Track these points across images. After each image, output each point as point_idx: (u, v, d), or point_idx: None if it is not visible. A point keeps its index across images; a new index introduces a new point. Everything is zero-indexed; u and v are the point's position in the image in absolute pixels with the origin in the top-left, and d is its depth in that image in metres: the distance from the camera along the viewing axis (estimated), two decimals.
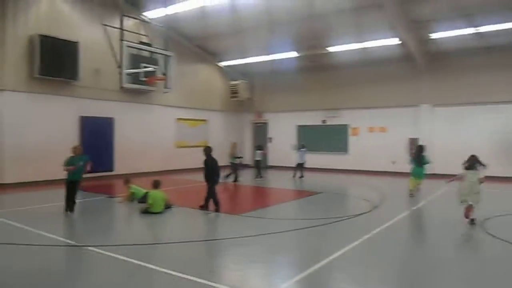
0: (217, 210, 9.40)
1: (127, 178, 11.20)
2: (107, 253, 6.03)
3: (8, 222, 8.07)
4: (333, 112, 20.28)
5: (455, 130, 17.11)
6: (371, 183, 15.11)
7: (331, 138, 20.10)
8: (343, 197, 12.62)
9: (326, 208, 10.78)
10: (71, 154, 9.35)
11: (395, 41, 15.98)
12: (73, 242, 6.72)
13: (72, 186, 9.17)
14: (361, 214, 9.32)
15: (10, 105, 13.26)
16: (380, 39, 16.11)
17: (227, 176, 15.64)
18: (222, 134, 21.98)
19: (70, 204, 9.14)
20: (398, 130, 18.44)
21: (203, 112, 20.93)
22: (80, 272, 5.45)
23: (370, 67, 18.84)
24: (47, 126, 14.13)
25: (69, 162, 9.11)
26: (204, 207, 9.59)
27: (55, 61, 13.93)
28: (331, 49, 17.65)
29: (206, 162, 9.56)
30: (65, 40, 14.24)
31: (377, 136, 19.01)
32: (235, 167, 15.97)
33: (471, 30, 14.62)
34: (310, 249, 6.72)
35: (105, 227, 8.53)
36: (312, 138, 20.44)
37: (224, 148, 21.57)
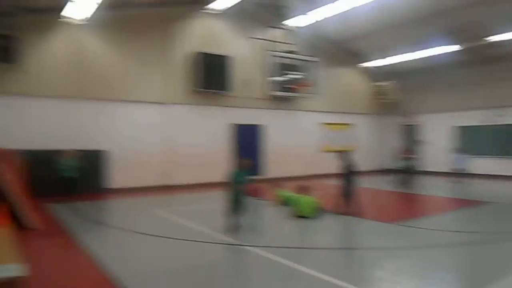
0: (345, 213, 9.26)
1: (275, 183, 11.54)
2: (262, 253, 6.26)
3: (174, 219, 9.10)
4: (498, 110, 17.60)
5: None
6: None
7: (498, 140, 17.46)
8: None
9: (496, 221, 9.34)
10: (236, 168, 8.10)
11: None
12: (232, 241, 7.15)
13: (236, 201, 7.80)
14: None
15: (175, 116, 15.09)
16: None
17: (402, 182, 15.08)
18: (368, 138, 21.21)
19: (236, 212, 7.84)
20: None
21: (348, 115, 20.50)
22: (242, 269, 5.77)
23: None
24: (205, 133, 15.66)
25: (234, 177, 7.82)
26: (343, 213, 9.40)
27: (212, 75, 15.39)
28: (497, 38, 15.34)
29: (344, 166, 9.57)
30: (220, 56, 15.62)
31: None
32: (406, 172, 15.25)
33: None
34: (475, 268, 5.83)
35: (259, 228, 8.91)
36: (474, 140, 18.10)
37: (372, 152, 20.77)
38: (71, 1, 11.35)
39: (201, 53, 15.25)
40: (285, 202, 10.54)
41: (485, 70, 17.91)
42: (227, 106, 16.29)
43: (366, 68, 21.06)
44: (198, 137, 15.46)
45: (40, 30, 12.65)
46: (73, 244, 7.03)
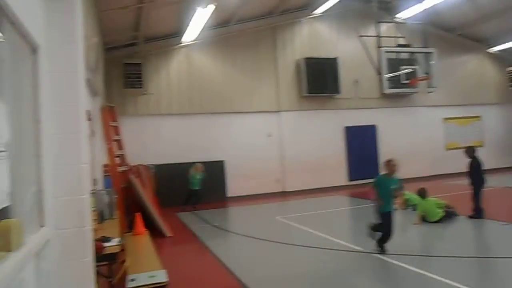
0: (476, 216, 8.33)
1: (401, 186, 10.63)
2: (394, 261, 5.83)
3: (295, 226, 9.06)
4: None
5: None
6: None
7: None
8: None
9: None
10: (384, 172, 6.75)
11: None
12: (359, 248, 6.82)
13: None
14: None
15: (286, 123, 15.21)
16: None
17: None
18: (501, 131, 18.75)
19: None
20: None
21: (474, 108, 18.43)
22: (372, 277, 5.44)
23: None
24: (316, 138, 15.46)
25: (379, 184, 6.55)
26: (473, 216, 8.45)
27: (319, 79, 15.19)
28: None
29: (470, 163, 8.68)
30: (326, 59, 15.37)
31: None
32: None
33: None
34: None
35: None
36: None
37: (504, 147, 18.41)
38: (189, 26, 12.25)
39: (308, 58, 15.18)
40: (409, 205, 9.82)
41: None
42: (338, 109, 15.89)
43: (494, 53, 18.73)
44: (310, 142, 15.33)
45: (160, 56, 13.91)
46: (203, 250, 7.42)
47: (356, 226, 9.67)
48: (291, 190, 14.88)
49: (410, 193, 10.08)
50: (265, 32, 15.20)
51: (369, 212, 10.62)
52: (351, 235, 8.54)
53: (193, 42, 13.95)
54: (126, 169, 9.86)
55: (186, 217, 11.07)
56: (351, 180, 15.84)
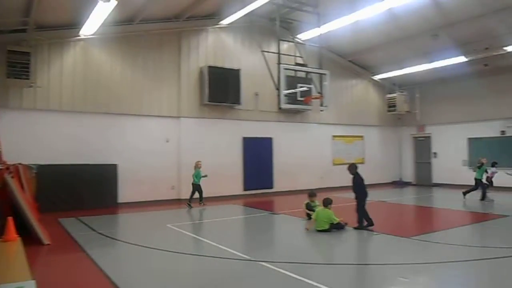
0: (367, 227, 9.14)
1: (312, 192, 11.07)
2: (278, 269, 6.09)
3: (186, 233, 8.98)
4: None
5: None
6: None
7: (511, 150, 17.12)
8: None
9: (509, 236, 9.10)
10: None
11: None
12: (247, 257, 7.00)
13: None
14: None
15: (185, 129, 15.07)
16: None
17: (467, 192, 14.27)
18: (379, 150, 20.98)
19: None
20: None
21: (359, 128, 20.34)
22: (253, 285, 5.61)
23: None
24: (215, 147, 15.58)
25: None
26: (359, 227, 9.25)
27: (221, 88, 15.39)
28: (510, 48, 15.18)
29: (353, 179, 9.46)
30: (229, 69, 15.67)
31: None
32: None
33: None
34: (501, 285, 5.61)
35: (273, 242, 8.77)
36: (489, 152, 17.80)
37: (383, 164, 20.54)
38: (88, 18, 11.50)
39: (211, 66, 15.31)
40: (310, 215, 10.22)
41: (499, 81, 17.69)
42: (237, 119, 16.27)
43: (377, 80, 20.97)
44: (208, 150, 15.38)
45: (53, 46, 12.81)
46: (84, 259, 6.93)
47: (247, 234, 9.99)
48: (186, 197, 14.70)
49: (312, 203, 10.43)
50: (170, 36, 14.98)
51: (260, 220, 11.07)
52: (241, 243, 8.74)
53: (92, 36, 13.15)
54: (1, 168, 8.82)
55: (70, 223, 10.25)
56: (246, 189, 16.24)
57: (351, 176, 9.50)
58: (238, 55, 16.40)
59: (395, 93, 20.46)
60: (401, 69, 18.88)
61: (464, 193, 14.31)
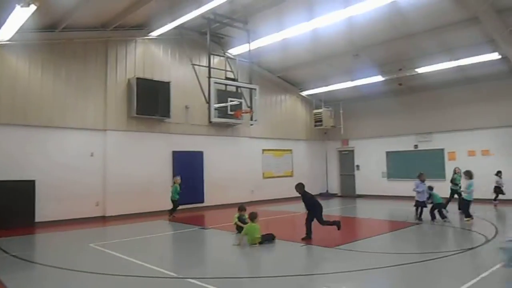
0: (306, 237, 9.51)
1: (241, 206, 11.05)
2: (206, 285, 6.02)
3: (111, 253, 8.57)
4: (426, 136, 19.02)
5: None
6: (475, 212, 13.62)
7: (425, 163, 18.68)
8: (448, 228, 11.47)
9: (430, 241, 9.90)
10: None
11: (495, 56, 14.66)
12: (173, 274, 6.84)
13: None
14: (471, 248, 8.34)
15: (112, 143, 14.46)
16: (477, 55, 14.86)
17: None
18: (307, 163, 21.75)
19: None
20: (505, 152, 16.60)
21: (287, 142, 20.96)
22: None
23: (466, 86, 17.48)
24: (144, 161, 15.12)
25: None
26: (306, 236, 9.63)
27: (150, 101, 15.03)
28: (420, 70, 16.71)
29: (303, 198, 9.93)
30: (158, 81, 15.38)
31: (479, 159, 17.27)
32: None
33: None
34: (419, 286, 6.07)
35: (202, 258, 8.66)
36: (404, 164, 19.29)
37: (310, 177, 21.26)
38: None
39: (140, 78, 14.91)
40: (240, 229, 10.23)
41: (412, 99, 19.32)
42: (167, 133, 15.95)
43: (304, 96, 21.84)
44: (136, 164, 14.89)
45: None
46: None
47: (175, 251, 9.77)
48: (112, 214, 14.05)
49: (241, 216, 10.48)
50: (97, 45, 14.38)
51: (189, 236, 10.88)
52: (168, 261, 8.50)
53: (9, 42, 12.19)
54: None
55: None
56: None
57: (300, 195, 9.91)
58: (168, 68, 16.19)
59: (321, 108, 21.45)
60: (326, 86, 19.90)
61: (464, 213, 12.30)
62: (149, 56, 15.77)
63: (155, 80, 15.31)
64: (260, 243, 9.03)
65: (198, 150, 16.87)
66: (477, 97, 17.31)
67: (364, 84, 18.70)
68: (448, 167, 18.18)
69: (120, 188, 14.32)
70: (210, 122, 14.80)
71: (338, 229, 9.86)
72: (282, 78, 20.55)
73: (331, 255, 8.31)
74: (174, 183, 14.39)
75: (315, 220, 9.71)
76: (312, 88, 20.84)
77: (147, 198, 14.87)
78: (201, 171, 16.85)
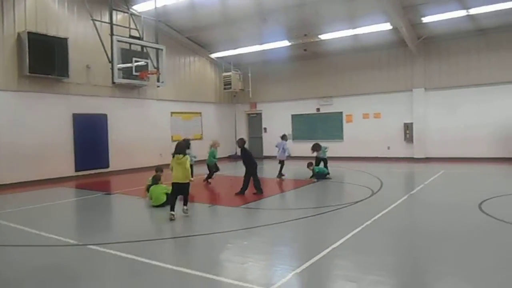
0: (256, 193, 10.34)
1: (158, 167, 10.59)
2: (108, 250, 6.00)
3: (4, 224, 8.00)
4: (327, 100, 20.27)
5: (449, 113, 17.15)
6: (367, 169, 15.15)
7: (326, 126, 20.11)
8: (341, 185, 12.64)
9: (326, 196, 10.84)
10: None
11: (387, 26, 15.93)
12: (73, 241, 6.66)
13: None
14: (361, 200, 9.36)
15: (1, 105, 13.06)
16: (372, 24, 16.03)
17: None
18: (216, 126, 21.94)
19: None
20: (393, 116, 18.49)
21: (197, 104, 20.82)
22: (82, 273, 5.41)
23: (362, 54, 18.83)
24: (40, 124, 13.95)
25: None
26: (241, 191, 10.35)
27: (45, 58, 13.69)
28: (323, 36, 17.55)
29: (242, 153, 10.65)
30: (54, 37, 14.02)
31: (372, 122, 19.05)
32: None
33: (462, 13, 14.59)
34: (311, 238, 6.73)
35: (105, 224, 8.49)
36: (307, 126, 20.46)
37: (220, 140, 21.48)
38: None
39: (32, 33, 13.39)
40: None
41: (315, 65, 20.32)
42: (66, 94, 14.77)
43: (214, 59, 21.66)
44: (31, 128, 13.67)
45: None
46: None
47: (74, 219, 9.43)
48: (5, 183, 12.90)
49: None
50: None
51: (93, 202, 10.52)
52: (68, 229, 8.17)
53: None
54: None
55: None
56: (78, 170, 15.09)
57: (239, 149, 10.62)
58: (65, 22, 14.79)
59: (230, 71, 21.53)
60: (236, 49, 19.95)
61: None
62: (42, 8, 14.19)
63: (50, 36, 13.91)
64: (164, 204, 9.03)
65: (101, 113, 15.99)
66: (370, 65, 18.80)
67: (272, 49, 19.14)
68: (346, 129, 19.80)
69: (12, 154, 13.11)
70: (113, 83, 14.07)
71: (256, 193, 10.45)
72: (191, 39, 20.05)
73: (236, 213, 8.74)
74: (211, 146, 13.54)
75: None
76: (222, 51, 20.74)
77: (45, 165, 13.89)
78: (105, 135, 16.07)
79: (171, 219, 7.85)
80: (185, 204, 8.29)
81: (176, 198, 8.12)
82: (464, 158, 16.59)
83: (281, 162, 13.82)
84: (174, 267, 5.22)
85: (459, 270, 4.99)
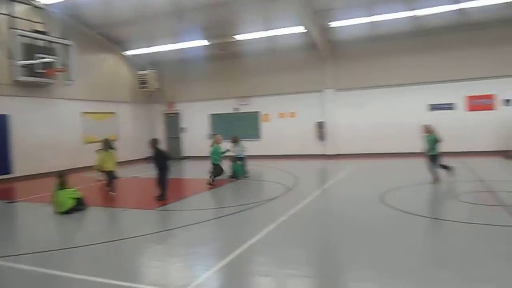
0: (161, 198, 9.72)
1: (60, 173, 9.91)
2: (10, 264, 5.55)
3: None
4: (245, 99, 20.63)
5: (357, 112, 18.47)
6: (283, 166, 15.75)
7: (244, 125, 20.45)
8: (259, 182, 13.00)
9: (243, 195, 11.07)
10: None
11: (300, 29, 16.67)
12: None
13: None
14: (277, 197, 9.73)
15: None
16: (286, 27, 16.66)
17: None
18: (133, 126, 21.19)
19: None
20: (306, 115, 19.40)
21: (111, 104, 19.87)
22: None
23: (277, 55, 19.47)
24: None
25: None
26: (161, 196, 9.76)
27: None
28: (239, 37, 17.84)
29: (155, 153, 9.95)
30: None
31: (288, 121, 19.81)
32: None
33: (366, 20, 15.80)
34: (228, 237, 6.86)
35: (5, 235, 7.80)
36: (226, 126, 20.63)
37: (136, 141, 20.88)
38: None
39: None
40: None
41: (232, 65, 20.56)
42: None
43: (128, 56, 20.86)
44: None
45: None
46: None
47: None
48: None
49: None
50: None
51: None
52: None
53: None
54: None
55: None
56: None
57: (152, 150, 9.92)
58: None
59: (146, 70, 20.91)
60: (151, 46, 19.43)
61: None
62: None
63: None
64: (72, 211, 8.59)
65: (1, 113, 14.54)
66: (285, 66, 19.49)
67: (189, 48, 18.97)
68: (263, 128, 20.37)
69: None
70: (15, 80, 12.92)
71: (160, 199, 9.87)
72: (104, 35, 19.09)
73: (152, 217, 8.58)
74: (214, 142, 12.59)
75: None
76: (137, 48, 20.05)
77: None
78: (5, 137, 14.64)
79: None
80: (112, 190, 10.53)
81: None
82: (372, 154, 17.99)
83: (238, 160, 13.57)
84: (87, 277, 5.00)
85: (366, 258, 5.44)
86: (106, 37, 19.30)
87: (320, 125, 19.06)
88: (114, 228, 8.03)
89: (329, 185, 11.65)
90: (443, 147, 10.78)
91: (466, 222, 6.80)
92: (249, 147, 15.32)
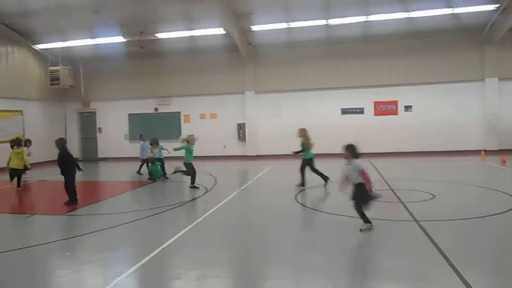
0: (71, 203, 9.18)
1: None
2: None
3: None
4: (165, 99, 20.31)
5: (276, 114, 19.09)
6: (205, 168, 15.76)
7: (164, 125, 20.09)
8: (178, 184, 12.86)
9: (161, 197, 10.92)
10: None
11: (221, 31, 16.82)
12: None
13: None
14: (195, 199, 9.75)
15: None
16: (206, 28, 16.71)
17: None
18: (42, 126, 19.73)
19: None
20: (227, 116, 19.63)
21: (17, 101, 18.30)
22: None
23: (199, 55, 19.45)
24: None
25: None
26: (70, 201, 9.21)
27: None
28: (160, 35, 17.49)
29: (60, 154, 9.18)
30: None
31: (209, 122, 19.86)
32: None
33: (284, 25, 16.43)
34: (142, 240, 6.75)
35: None
36: (145, 126, 20.09)
37: (46, 141, 19.45)
38: None
39: None
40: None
41: (153, 63, 20.10)
42: None
43: (38, 50, 19.38)
44: None
45: None
46: None
47: None
48: None
49: None
50: None
51: None
52: None
53: None
54: None
55: None
56: None
57: (58, 151, 9.16)
58: None
59: (58, 66, 19.59)
60: (64, 41, 18.26)
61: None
62: None
63: None
64: None
65: None
66: (207, 67, 19.55)
67: (106, 44, 18.17)
68: (184, 129, 20.18)
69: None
70: None
71: (68, 203, 9.34)
72: (9, 26, 17.51)
73: (60, 222, 8.13)
74: (184, 141, 11.42)
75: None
76: (48, 42, 18.69)
77: None
78: None
79: None
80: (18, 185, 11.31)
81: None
82: (289, 154, 18.66)
83: (144, 161, 14.15)
84: None
85: (282, 255, 5.70)
86: (12, 28, 17.72)
87: (241, 127, 19.40)
88: (17, 236, 7.45)
89: (247, 186, 11.94)
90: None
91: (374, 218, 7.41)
92: (170, 148, 15.10)
